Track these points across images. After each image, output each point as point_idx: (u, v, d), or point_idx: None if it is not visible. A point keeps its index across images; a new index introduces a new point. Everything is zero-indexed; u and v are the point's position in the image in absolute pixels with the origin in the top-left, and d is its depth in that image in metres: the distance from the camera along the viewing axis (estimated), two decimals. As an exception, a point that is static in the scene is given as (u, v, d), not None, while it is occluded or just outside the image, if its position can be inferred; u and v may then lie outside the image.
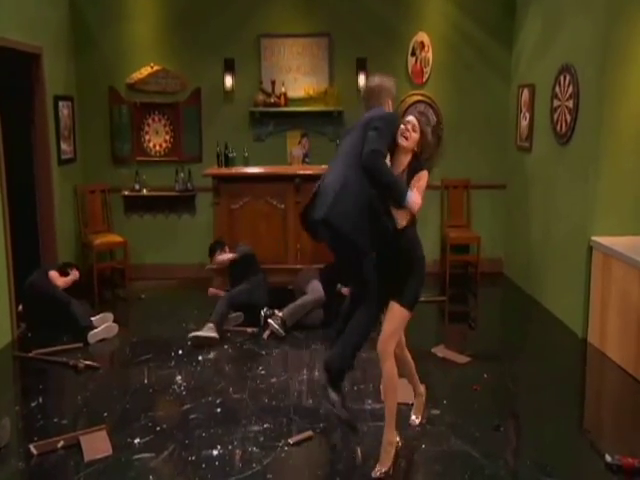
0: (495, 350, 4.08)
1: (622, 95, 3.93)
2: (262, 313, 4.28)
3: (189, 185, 5.54)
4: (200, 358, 3.83)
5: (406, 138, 2.50)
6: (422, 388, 2.98)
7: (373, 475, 2.53)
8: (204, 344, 3.97)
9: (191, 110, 5.53)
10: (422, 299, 5.32)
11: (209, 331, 4.02)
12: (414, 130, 2.50)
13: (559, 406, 3.24)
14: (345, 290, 4.34)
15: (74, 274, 4.54)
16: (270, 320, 4.14)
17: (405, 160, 2.55)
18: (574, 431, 3.07)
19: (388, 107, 2.67)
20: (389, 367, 2.53)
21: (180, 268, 5.49)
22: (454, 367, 3.66)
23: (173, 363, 3.75)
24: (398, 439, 2.69)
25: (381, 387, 2.69)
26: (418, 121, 2.52)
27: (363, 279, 2.56)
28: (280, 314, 4.16)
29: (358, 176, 2.45)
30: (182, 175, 5.53)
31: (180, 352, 3.92)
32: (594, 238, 4.01)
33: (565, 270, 4.41)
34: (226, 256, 4.53)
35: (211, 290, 4.69)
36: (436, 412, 3.09)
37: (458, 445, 2.82)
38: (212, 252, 4.60)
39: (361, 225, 2.44)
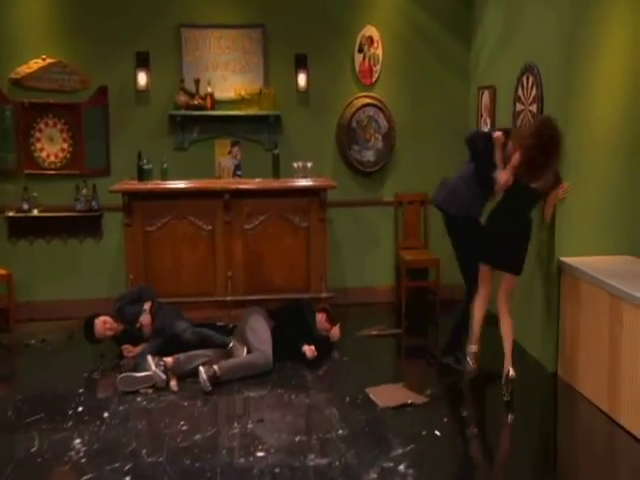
0: (456, 388, 4.11)
1: (589, 98, 4.03)
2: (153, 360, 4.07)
3: (94, 204, 5.38)
4: (106, 415, 3.61)
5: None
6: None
7: (509, 377, 3.84)
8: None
9: (95, 112, 5.38)
10: (374, 333, 5.40)
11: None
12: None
13: (528, 453, 3.30)
14: (309, 350, 4.31)
15: None
16: (201, 368, 3.97)
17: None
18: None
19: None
20: (510, 317, 4.08)
21: (82, 305, 5.27)
22: (410, 409, 3.69)
23: (70, 423, 3.54)
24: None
25: (505, 331, 4.07)
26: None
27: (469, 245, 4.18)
28: (215, 367, 3.98)
29: (470, 175, 4.15)
30: (85, 191, 5.36)
31: (80, 409, 3.71)
32: (562, 259, 4.15)
33: (532, 295, 4.48)
34: (147, 311, 4.46)
35: (129, 349, 4.47)
36: (389, 464, 3.07)
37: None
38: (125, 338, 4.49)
39: (471, 201, 4.14)
